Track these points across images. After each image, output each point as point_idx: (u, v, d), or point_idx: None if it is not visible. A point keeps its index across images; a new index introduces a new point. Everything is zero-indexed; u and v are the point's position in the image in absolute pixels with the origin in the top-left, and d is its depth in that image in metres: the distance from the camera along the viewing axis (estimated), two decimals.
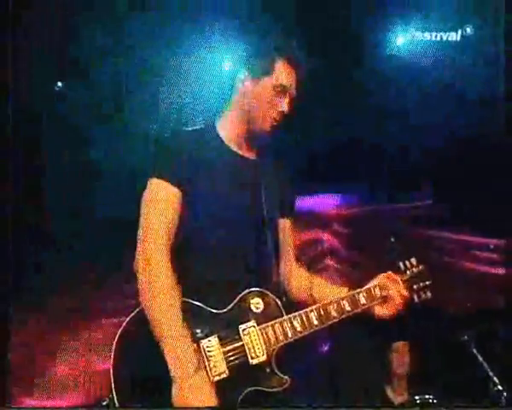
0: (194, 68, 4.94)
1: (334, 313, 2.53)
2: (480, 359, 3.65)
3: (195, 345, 2.27)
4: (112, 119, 5.00)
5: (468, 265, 5.73)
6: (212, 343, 2.30)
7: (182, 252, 2.43)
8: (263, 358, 2.35)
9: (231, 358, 2.32)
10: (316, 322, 2.48)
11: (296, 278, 2.79)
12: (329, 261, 5.95)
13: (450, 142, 5.26)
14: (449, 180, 5.43)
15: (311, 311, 2.49)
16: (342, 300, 2.56)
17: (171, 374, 2.18)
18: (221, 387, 2.26)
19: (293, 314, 2.47)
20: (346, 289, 2.65)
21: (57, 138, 5.05)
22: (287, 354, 2.45)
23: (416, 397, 4.33)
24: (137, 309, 2.34)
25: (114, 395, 2.24)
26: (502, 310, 4.79)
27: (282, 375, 2.40)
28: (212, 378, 2.26)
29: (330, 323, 2.53)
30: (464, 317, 4.66)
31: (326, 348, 5.18)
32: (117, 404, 2.22)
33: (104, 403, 2.38)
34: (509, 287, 4.92)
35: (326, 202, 6.02)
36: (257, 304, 2.43)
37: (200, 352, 2.28)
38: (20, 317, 4.57)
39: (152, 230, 2.38)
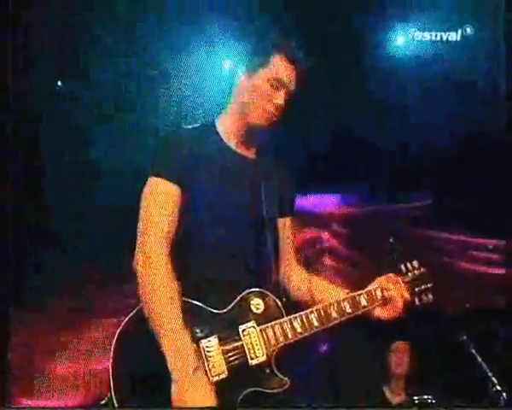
0: (195, 67, 4.95)
1: (334, 315, 2.50)
2: (479, 359, 3.65)
3: (195, 345, 2.26)
4: (112, 118, 5.01)
5: (466, 265, 5.74)
6: (211, 343, 2.29)
7: (181, 250, 2.42)
8: (262, 359, 2.34)
9: (231, 358, 2.30)
10: (316, 323, 2.46)
11: (296, 277, 2.77)
12: (328, 261, 5.96)
13: (449, 142, 5.27)
14: (448, 181, 5.43)
15: (312, 312, 2.48)
16: (343, 301, 2.54)
17: (171, 372, 2.17)
18: (220, 387, 2.24)
19: (294, 315, 2.45)
20: (346, 290, 2.63)
21: (57, 138, 5.06)
22: (287, 355, 2.44)
23: (415, 397, 4.34)
24: (136, 308, 2.32)
25: (113, 394, 2.23)
26: (501, 310, 4.80)
27: (281, 376, 2.38)
28: (211, 379, 2.24)
29: (331, 325, 2.51)
30: (463, 317, 4.66)
31: (325, 349, 5.19)
32: (115, 403, 2.22)
33: (102, 402, 2.36)
34: (508, 287, 4.93)
35: (325, 202, 6.03)
36: (257, 305, 2.42)
37: (200, 352, 2.27)
38: (20, 317, 4.58)
39: (152, 226, 2.37)
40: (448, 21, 5.01)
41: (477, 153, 5.16)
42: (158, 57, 4.94)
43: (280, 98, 2.53)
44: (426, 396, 4.29)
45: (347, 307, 2.54)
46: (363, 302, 2.58)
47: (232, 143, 2.62)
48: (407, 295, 2.63)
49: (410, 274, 2.69)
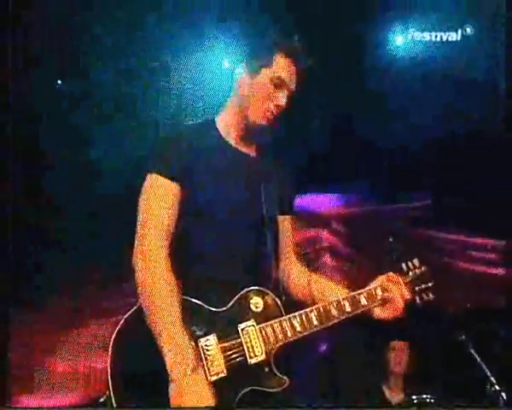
0: (195, 64, 4.95)
1: (334, 314, 2.49)
2: (478, 359, 3.65)
3: (194, 344, 2.26)
4: (112, 118, 5.01)
5: (466, 265, 5.73)
6: (210, 342, 2.29)
7: (180, 248, 2.42)
8: (262, 357, 2.34)
9: (230, 357, 2.30)
10: (315, 322, 2.46)
11: (296, 274, 2.76)
12: (328, 260, 5.95)
13: (449, 142, 5.26)
14: (448, 181, 5.42)
15: (311, 311, 2.47)
16: (343, 300, 2.53)
17: (168, 372, 2.17)
18: (219, 386, 2.24)
19: (293, 314, 2.45)
20: (346, 288, 2.63)
21: (57, 138, 5.05)
22: (286, 354, 2.44)
23: (414, 397, 4.33)
24: (134, 307, 2.32)
25: (111, 393, 2.23)
26: (500, 310, 4.80)
27: (280, 375, 2.38)
28: (209, 377, 2.24)
29: (330, 324, 2.50)
30: (462, 317, 4.66)
31: (325, 348, 5.19)
32: (114, 403, 2.21)
33: (101, 400, 2.36)
34: (508, 287, 4.93)
35: (325, 202, 6.02)
36: (256, 303, 2.42)
37: (199, 351, 2.27)
38: (20, 317, 4.57)
39: (151, 221, 2.37)
40: (448, 21, 5.01)
41: (477, 153, 5.16)
42: (158, 56, 4.94)
43: (281, 97, 2.53)
44: (425, 396, 4.29)
45: (347, 305, 2.53)
46: (363, 301, 2.57)
47: (232, 140, 2.61)
48: (407, 295, 2.61)
49: (410, 273, 2.68)
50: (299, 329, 2.43)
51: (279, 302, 2.46)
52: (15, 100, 4.39)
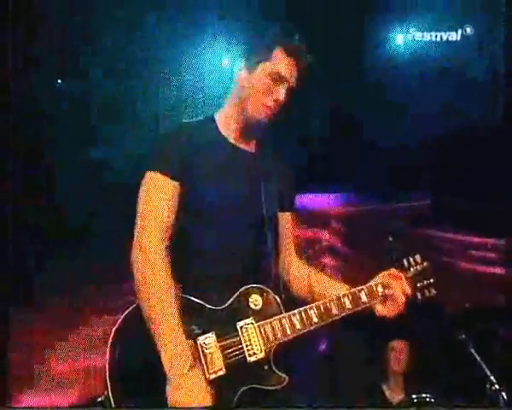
0: (195, 60, 4.95)
1: (334, 311, 2.47)
2: (478, 358, 3.63)
3: (192, 342, 2.25)
4: (112, 117, 5.01)
5: (465, 264, 5.73)
6: (209, 340, 2.28)
7: (179, 246, 2.41)
8: (261, 355, 2.32)
9: (229, 355, 2.29)
10: (315, 319, 2.43)
11: (296, 271, 2.74)
12: (327, 259, 5.95)
13: (449, 142, 5.26)
14: (448, 180, 5.42)
15: (311, 308, 2.45)
16: (343, 297, 2.51)
17: (165, 370, 2.16)
18: (218, 384, 2.23)
19: (293, 312, 2.43)
20: (346, 285, 2.60)
21: (57, 138, 5.06)
22: (285, 351, 2.43)
23: (414, 396, 4.32)
24: (133, 306, 2.32)
25: (110, 392, 2.22)
26: (500, 310, 4.79)
27: (280, 373, 2.36)
28: (208, 376, 2.23)
29: (330, 320, 2.48)
30: (462, 316, 4.65)
31: (324, 347, 5.18)
32: (112, 402, 2.21)
33: (99, 400, 2.35)
34: (507, 287, 4.92)
35: (324, 201, 6.02)
36: (255, 301, 2.41)
37: (197, 349, 2.26)
38: (20, 317, 4.57)
39: (149, 222, 2.36)
40: (448, 21, 5.01)
41: (476, 152, 5.16)
42: (158, 54, 4.94)
43: (280, 93, 2.50)
44: (425, 395, 4.28)
45: (347, 302, 2.50)
46: (364, 298, 2.54)
47: (231, 137, 2.59)
48: (409, 291, 2.57)
49: (412, 269, 2.63)
50: (298, 326, 2.41)
51: (278, 300, 2.45)
52: (16, 100, 4.40)
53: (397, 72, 5.28)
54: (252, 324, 2.36)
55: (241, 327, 2.34)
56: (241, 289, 2.41)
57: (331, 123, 5.28)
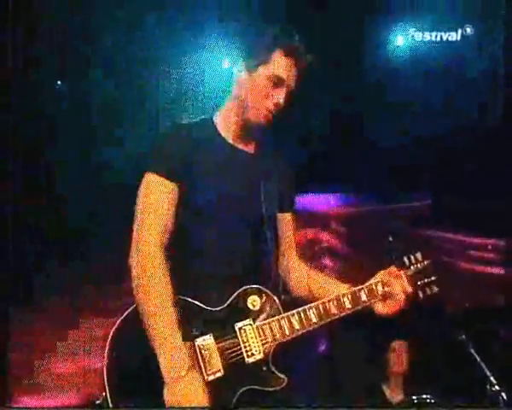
0: (194, 61, 4.95)
1: (333, 311, 2.46)
2: (478, 359, 3.63)
3: (190, 343, 2.25)
4: (111, 117, 5.01)
5: (466, 265, 5.72)
6: (207, 342, 2.27)
7: (178, 247, 2.40)
8: (259, 356, 2.32)
9: (227, 356, 2.29)
10: (314, 320, 2.42)
11: (295, 271, 2.72)
12: (327, 260, 5.94)
13: (449, 142, 5.26)
14: (448, 180, 5.41)
15: (310, 308, 2.44)
16: (343, 297, 2.49)
17: (163, 373, 2.15)
18: (216, 386, 2.23)
19: (291, 312, 2.41)
20: (346, 285, 2.58)
21: (57, 138, 5.06)
22: (284, 352, 2.42)
23: (414, 397, 4.32)
24: (132, 307, 2.30)
25: (108, 393, 2.22)
26: (500, 310, 4.78)
27: (279, 374, 2.35)
28: (206, 377, 2.23)
29: (329, 320, 2.47)
30: (462, 317, 4.65)
31: (324, 347, 5.18)
32: (110, 403, 2.21)
33: (97, 402, 2.35)
34: (507, 287, 4.91)
35: (325, 201, 6.02)
36: (254, 301, 2.39)
37: (195, 350, 2.25)
38: (20, 317, 4.57)
39: (147, 225, 2.35)
40: (448, 21, 5.01)
41: (476, 152, 5.15)
42: (158, 55, 4.94)
43: (279, 95, 2.48)
44: (425, 396, 4.27)
45: (347, 302, 2.49)
46: (364, 297, 2.52)
47: (230, 138, 2.58)
48: (409, 289, 2.56)
49: (412, 267, 2.61)
50: (297, 327, 2.40)
51: (277, 300, 2.43)
52: (16, 100, 4.40)
53: (397, 72, 5.28)
54: (250, 325, 2.35)
55: (240, 328, 2.33)
56: (239, 290, 2.39)
57: (331, 123, 5.27)
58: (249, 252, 2.51)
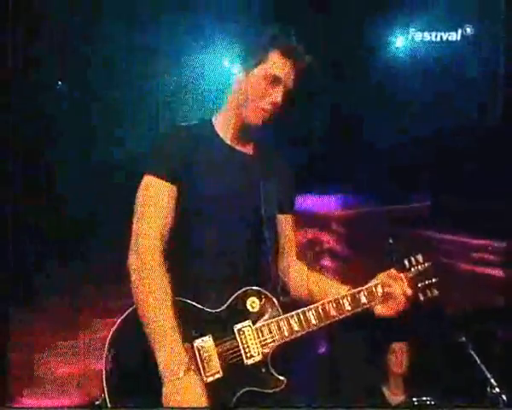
0: (193, 63, 4.95)
1: (333, 313, 2.45)
2: (478, 360, 3.62)
3: (189, 345, 2.24)
4: (111, 118, 5.01)
5: (466, 266, 5.71)
6: (206, 343, 2.27)
7: (177, 248, 2.40)
8: (258, 358, 2.31)
9: (226, 358, 2.28)
10: (314, 321, 2.41)
11: (295, 273, 2.72)
12: (327, 262, 5.94)
13: (449, 144, 5.25)
14: (448, 182, 5.41)
15: (309, 310, 2.43)
16: (342, 299, 2.48)
17: (161, 374, 2.15)
18: (215, 387, 2.23)
19: (291, 313, 2.41)
20: (346, 287, 2.57)
21: (57, 138, 5.06)
22: (283, 354, 2.42)
23: (414, 399, 4.32)
24: (132, 308, 2.30)
25: (106, 394, 2.22)
26: (500, 312, 4.78)
27: (278, 375, 2.34)
28: (205, 379, 2.22)
29: (329, 322, 2.46)
30: (462, 318, 4.64)
31: (323, 349, 5.18)
32: (108, 404, 2.21)
33: (97, 403, 2.34)
34: (508, 288, 4.90)
35: (325, 203, 6.01)
36: (253, 303, 2.39)
37: (194, 352, 2.25)
38: (20, 317, 4.57)
39: (145, 227, 2.35)
40: (448, 21, 5.00)
41: (476, 153, 5.14)
42: (156, 56, 4.94)
43: (276, 95, 2.47)
44: (425, 398, 4.27)
45: (347, 304, 2.48)
46: (364, 299, 2.51)
47: (229, 139, 2.58)
48: (409, 291, 2.54)
49: (413, 269, 2.59)
50: (296, 328, 2.39)
51: (276, 302, 2.42)
52: (16, 100, 4.40)
53: (396, 72, 5.27)
54: (249, 326, 2.34)
55: (239, 330, 2.33)
56: (238, 292, 2.39)
57: (331, 123, 5.27)
58: (248, 253, 2.51)
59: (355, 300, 2.51)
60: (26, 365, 4.85)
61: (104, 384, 2.24)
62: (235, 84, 2.56)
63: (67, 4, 4.80)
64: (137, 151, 4.42)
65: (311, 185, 5.34)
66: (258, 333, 2.34)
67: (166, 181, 2.40)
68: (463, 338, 3.71)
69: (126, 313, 2.32)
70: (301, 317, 2.41)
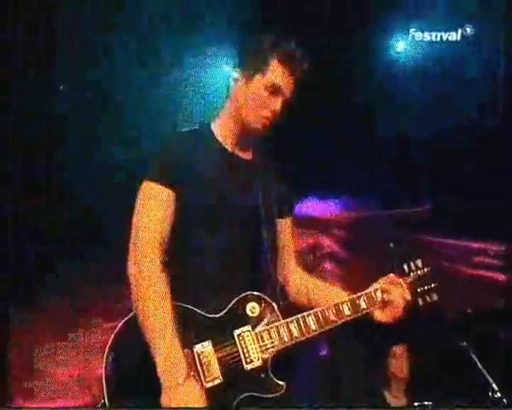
0: (192, 69, 4.95)
1: (332, 318, 2.46)
2: (479, 365, 3.62)
3: (189, 350, 2.25)
4: (111, 120, 5.00)
5: (467, 270, 5.70)
6: (205, 348, 2.27)
7: (176, 254, 2.41)
8: (258, 363, 2.32)
9: (226, 363, 2.28)
10: (313, 327, 2.42)
11: (295, 278, 2.74)
12: (328, 266, 5.93)
13: (450, 147, 5.24)
14: (449, 185, 5.39)
15: (309, 315, 2.43)
16: (342, 304, 2.49)
17: (160, 381, 2.15)
18: (215, 392, 2.23)
19: (290, 319, 2.41)
20: (345, 292, 2.58)
21: (57, 138, 5.06)
22: (283, 359, 2.42)
23: (415, 403, 4.31)
24: (133, 312, 2.30)
25: (106, 398, 2.23)
26: (501, 315, 4.77)
27: (277, 381, 2.35)
28: (205, 384, 2.23)
29: (328, 328, 2.47)
30: (463, 322, 4.63)
31: (324, 353, 5.17)
32: (107, 403, 2.21)
33: (98, 406, 2.35)
34: (509, 292, 4.90)
35: (325, 207, 6.00)
36: (253, 308, 2.39)
37: (194, 357, 2.25)
38: (20, 317, 4.58)
39: (144, 233, 2.35)
40: (448, 21, 5.00)
41: (477, 154, 5.14)
42: (156, 61, 4.94)
43: (276, 104, 2.48)
44: (426, 403, 4.27)
45: (346, 309, 2.49)
46: (363, 305, 2.53)
47: (228, 145, 2.58)
48: (408, 296, 2.56)
49: (412, 274, 2.61)
50: (296, 334, 2.39)
51: (276, 307, 2.43)
52: (16, 100, 4.40)
53: (396, 72, 5.27)
54: (249, 331, 2.35)
55: (239, 335, 2.33)
56: (238, 297, 2.39)
57: (331, 128, 5.25)
58: (248, 258, 2.51)
59: (355, 305, 2.52)
60: (26, 365, 4.85)
61: (104, 386, 2.25)
62: (234, 92, 2.56)
63: (67, 4, 4.80)
64: (138, 151, 4.43)
65: (311, 190, 5.33)
66: (257, 338, 2.35)
67: (165, 187, 2.40)
68: (464, 342, 3.71)
69: (127, 317, 2.33)
70: (301, 322, 2.42)
